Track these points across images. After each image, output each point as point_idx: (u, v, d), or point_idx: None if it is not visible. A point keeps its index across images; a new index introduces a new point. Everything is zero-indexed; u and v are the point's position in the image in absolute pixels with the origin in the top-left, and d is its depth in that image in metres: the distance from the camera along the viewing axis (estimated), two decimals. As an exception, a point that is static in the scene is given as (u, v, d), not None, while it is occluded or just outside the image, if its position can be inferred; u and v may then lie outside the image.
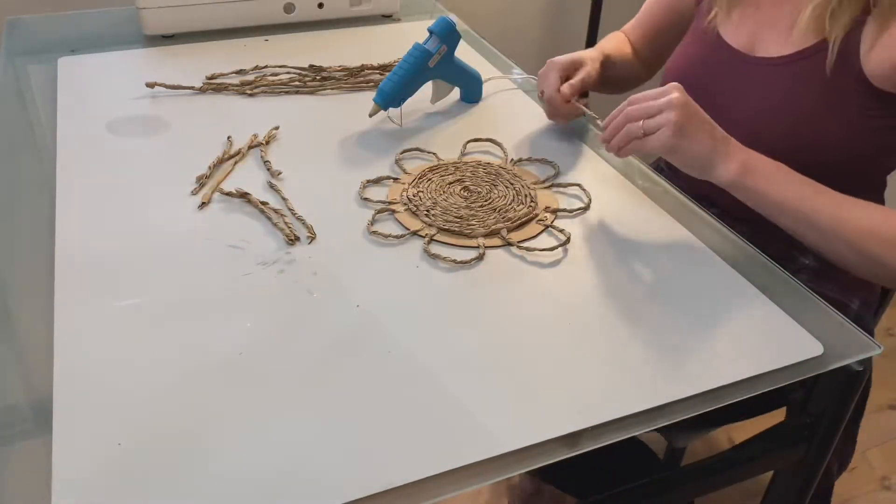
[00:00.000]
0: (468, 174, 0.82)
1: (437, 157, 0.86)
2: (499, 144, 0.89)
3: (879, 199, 0.89)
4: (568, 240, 0.73)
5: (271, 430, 0.53)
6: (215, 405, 0.54)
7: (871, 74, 0.75)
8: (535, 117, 0.96)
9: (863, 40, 0.75)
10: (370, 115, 0.89)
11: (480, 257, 0.70)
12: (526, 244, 0.73)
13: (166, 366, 0.57)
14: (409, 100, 0.92)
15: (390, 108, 0.90)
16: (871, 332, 0.88)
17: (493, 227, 0.74)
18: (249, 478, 0.49)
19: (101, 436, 0.52)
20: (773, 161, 0.73)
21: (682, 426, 0.60)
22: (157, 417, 0.53)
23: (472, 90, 0.99)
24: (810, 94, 0.78)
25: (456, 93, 1.00)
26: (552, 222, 0.76)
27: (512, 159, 0.87)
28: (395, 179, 0.80)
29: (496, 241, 0.73)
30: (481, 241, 0.72)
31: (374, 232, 0.72)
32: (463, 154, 0.87)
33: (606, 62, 0.97)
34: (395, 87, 0.89)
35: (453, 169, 0.82)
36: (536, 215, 0.77)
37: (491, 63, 1.11)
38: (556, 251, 0.72)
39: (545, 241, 0.74)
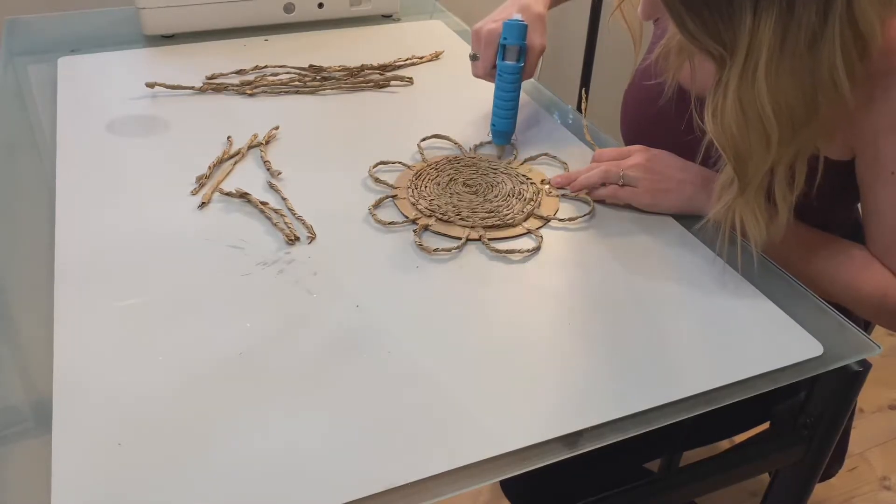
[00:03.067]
0: (452, 170, 0.83)
1: (402, 164, 0.84)
2: (448, 138, 0.90)
3: (850, 218, 0.88)
4: (593, 206, 0.78)
5: (271, 430, 0.53)
6: (215, 405, 0.54)
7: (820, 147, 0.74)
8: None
9: None
10: (499, 158, 0.86)
11: (539, 246, 0.72)
12: (559, 217, 0.76)
13: (166, 366, 0.57)
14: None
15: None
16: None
17: (526, 210, 0.76)
18: (249, 478, 0.49)
19: (101, 436, 0.52)
20: None
21: (675, 445, 0.60)
22: (157, 417, 0.53)
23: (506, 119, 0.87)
24: None
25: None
26: (558, 193, 0.80)
27: (469, 148, 0.88)
28: (394, 197, 0.78)
29: (536, 222, 0.75)
30: (526, 226, 0.74)
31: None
32: (421, 153, 0.87)
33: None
34: (510, 122, 0.85)
35: (435, 173, 0.82)
36: (541, 190, 0.80)
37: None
38: (582, 219, 0.77)
39: (568, 210, 0.78)
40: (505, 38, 0.83)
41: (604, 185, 0.78)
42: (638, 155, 0.78)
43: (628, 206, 0.78)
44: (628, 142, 0.93)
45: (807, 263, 0.73)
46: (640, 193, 0.76)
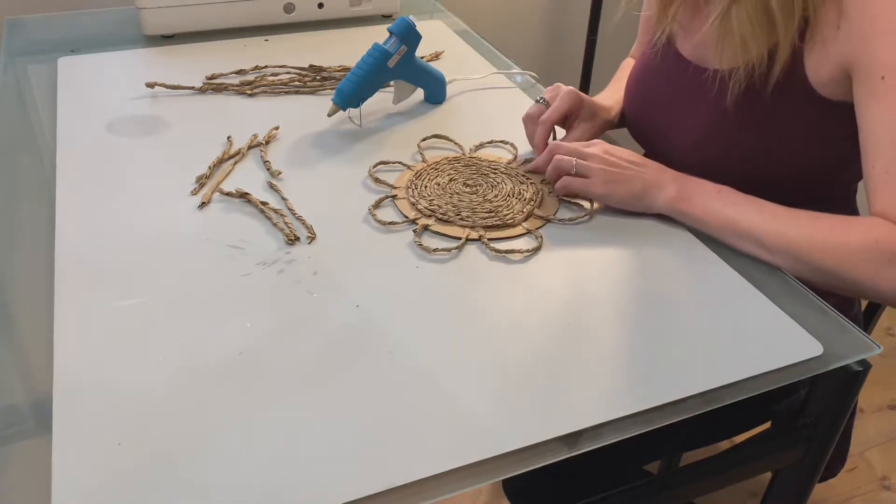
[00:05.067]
0: (451, 170, 0.83)
1: (402, 164, 0.85)
2: (448, 138, 0.90)
3: (848, 210, 0.88)
4: (592, 203, 0.78)
5: (271, 429, 0.53)
6: (215, 405, 0.54)
7: (815, 83, 0.74)
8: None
9: (806, 51, 0.74)
10: (329, 115, 0.90)
11: (539, 246, 0.72)
12: (559, 216, 0.76)
13: (166, 366, 0.57)
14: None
15: (349, 109, 0.90)
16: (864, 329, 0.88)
17: (526, 210, 0.76)
18: (249, 478, 0.49)
19: (101, 436, 0.52)
20: (713, 184, 0.74)
21: (677, 445, 0.61)
22: (157, 417, 0.53)
23: (434, 91, 0.99)
24: (756, 106, 0.77)
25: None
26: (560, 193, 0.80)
27: (471, 147, 0.89)
28: (394, 197, 0.78)
29: (537, 222, 0.75)
30: (526, 226, 0.75)
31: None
32: (421, 153, 0.87)
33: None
34: (353, 87, 0.89)
35: (435, 173, 0.82)
36: (541, 190, 0.80)
37: (490, 62, 1.11)
38: (582, 219, 0.77)
39: (568, 210, 0.78)
40: (390, 27, 0.91)
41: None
42: (595, 146, 0.78)
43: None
44: (630, 128, 0.94)
45: (775, 224, 0.69)
46: (592, 184, 0.76)
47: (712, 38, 0.77)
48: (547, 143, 0.84)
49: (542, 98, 0.87)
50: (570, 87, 0.87)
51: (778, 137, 0.77)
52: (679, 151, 0.84)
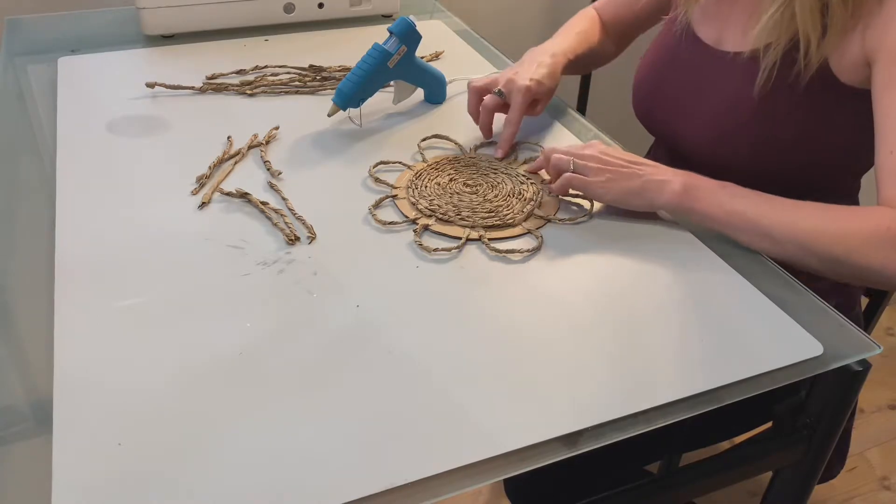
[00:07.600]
0: (452, 170, 0.83)
1: (402, 164, 0.85)
2: (448, 138, 0.90)
3: (853, 202, 0.88)
4: (592, 203, 0.78)
5: (271, 430, 0.53)
6: (215, 405, 0.54)
7: (836, 69, 0.74)
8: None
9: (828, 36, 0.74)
10: (329, 115, 0.90)
11: (539, 246, 0.72)
12: (559, 216, 0.76)
13: (166, 366, 0.57)
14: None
15: (350, 109, 0.90)
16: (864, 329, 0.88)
17: (526, 210, 0.76)
18: (249, 478, 0.49)
19: (101, 436, 0.52)
20: (715, 180, 0.73)
21: (677, 445, 0.61)
22: (157, 417, 0.53)
23: (434, 91, 0.99)
24: (772, 90, 0.77)
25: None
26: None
27: (471, 147, 0.89)
28: (394, 197, 0.78)
29: (537, 222, 0.75)
30: (526, 226, 0.74)
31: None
32: (421, 153, 0.87)
33: (572, 62, 0.98)
34: (353, 87, 0.88)
35: (435, 173, 0.82)
36: (541, 190, 0.80)
37: (490, 62, 1.11)
38: (582, 219, 0.77)
39: (569, 210, 0.78)
40: (390, 27, 0.91)
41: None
42: (591, 147, 0.77)
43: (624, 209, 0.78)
44: (642, 115, 0.94)
45: (783, 215, 0.69)
46: (591, 181, 0.75)
47: (761, 27, 0.76)
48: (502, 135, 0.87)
49: (498, 90, 0.88)
50: (524, 85, 0.86)
51: (795, 123, 0.77)
52: (695, 134, 0.84)
